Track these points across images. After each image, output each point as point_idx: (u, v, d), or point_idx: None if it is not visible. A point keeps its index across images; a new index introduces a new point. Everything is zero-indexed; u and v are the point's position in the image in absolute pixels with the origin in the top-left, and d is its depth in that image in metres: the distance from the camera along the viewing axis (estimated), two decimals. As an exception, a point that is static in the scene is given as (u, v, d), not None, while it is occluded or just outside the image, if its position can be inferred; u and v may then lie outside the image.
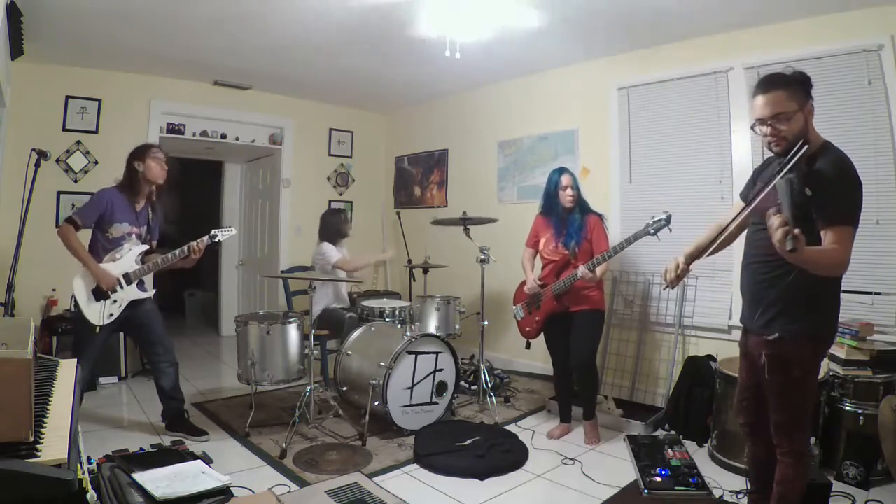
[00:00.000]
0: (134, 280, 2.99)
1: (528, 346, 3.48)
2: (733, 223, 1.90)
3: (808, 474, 1.91)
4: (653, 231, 2.70)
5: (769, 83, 1.78)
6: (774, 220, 1.48)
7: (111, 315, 2.94)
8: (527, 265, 3.39)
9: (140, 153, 3.01)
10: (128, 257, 2.99)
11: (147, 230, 3.12)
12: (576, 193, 3.17)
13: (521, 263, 3.42)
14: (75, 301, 2.92)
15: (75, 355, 2.90)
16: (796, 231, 1.45)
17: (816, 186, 1.66)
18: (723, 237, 1.92)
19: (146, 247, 3.09)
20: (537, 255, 3.39)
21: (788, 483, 1.83)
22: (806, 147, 1.68)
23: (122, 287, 2.95)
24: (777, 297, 1.84)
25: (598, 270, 2.98)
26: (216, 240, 3.09)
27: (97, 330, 2.89)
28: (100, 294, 2.91)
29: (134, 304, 3.02)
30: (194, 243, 3.00)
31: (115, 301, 2.94)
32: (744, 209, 1.84)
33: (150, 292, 3.15)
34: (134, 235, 3.03)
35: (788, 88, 1.74)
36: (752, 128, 1.85)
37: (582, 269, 2.95)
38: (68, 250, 2.86)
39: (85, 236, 2.96)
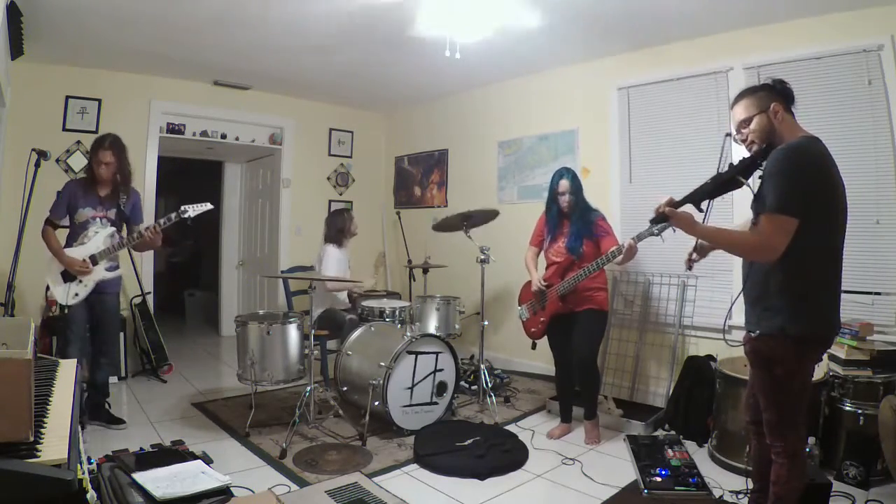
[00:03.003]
0: (100, 260, 3.08)
1: (533, 346, 3.46)
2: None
3: (805, 474, 1.90)
4: (657, 232, 2.69)
5: (736, 96, 1.97)
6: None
7: (76, 294, 3.04)
8: (530, 264, 3.39)
9: (92, 150, 3.11)
10: (95, 240, 3.08)
11: (118, 213, 3.18)
12: (572, 199, 3.16)
13: (525, 262, 3.42)
14: (48, 286, 3.06)
15: (62, 352, 3.02)
16: (666, 210, 1.92)
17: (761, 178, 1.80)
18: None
19: (113, 229, 3.15)
20: (541, 255, 3.39)
21: (784, 483, 1.83)
22: (726, 137, 1.96)
23: (89, 268, 3.06)
24: (757, 295, 1.87)
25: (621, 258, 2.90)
26: (186, 216, 3.02)
27: (65, 310, 2.98)
28: (67, 276, 3.03)
29: (101, 290, 3.13)
30: (152, 225, 3.05)
31: (80, 281, 3.04)
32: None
33: (117, 273, 3.22)
34: (99, 219, 3.12)
35: (753, 95, 1.90)
36: (733, 140, 2.00)
37: (629, 241, 2.70)
38: (48, 248, 3.03)
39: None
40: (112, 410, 3.37)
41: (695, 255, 2.14)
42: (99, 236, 3.08)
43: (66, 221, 3.14)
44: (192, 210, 3.03)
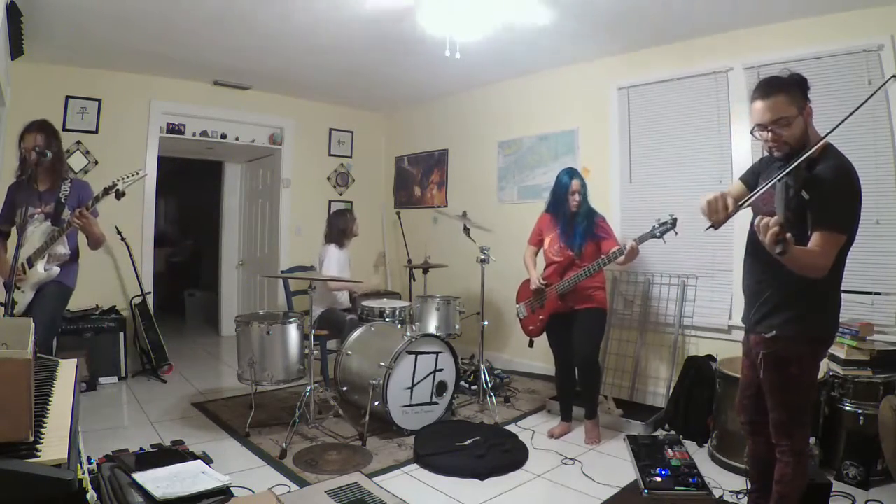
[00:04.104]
0: (36, 260, 2.75)
1: (531, 344, 3.47)
2: (749, 199, 1.82)
3: (808, 473, 1.91)
4: (658, 234, 2.69)
5: (768, 87, 1.78)
6: (769, 221, 1.53)
7: (16, 303, 2.71)
8: (529, 263, 3.39)
9: (21, 137, 2.77)
10: (31, 240, 2.78)
11: (58, 206, 2.84)
12: (581, 199, 3.18)
13: (524, 261, 3.42)
14: None
15: None
16: (787, 235, 1.51)
17: (813, 190, 1.68)
18: (746, 203, 1.82)
19: (48, 223, 2.82)
20: (540, 254, 3.40)
21: (788, 482, 1.84)
22: (810, 152, 1.68)
23: (24, 272, 2.75)
24: (775, 296, 1.86)
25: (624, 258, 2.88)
26: (117, 189, 2.65)
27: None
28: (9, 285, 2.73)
29: (42, 286, 2.81)
30: (89, 203, 2.69)
31: (18, 288, 2.72)
32: (754, 193, 1.83)
33: (56, 271, 2.84)
34: (38, 216, 2.82)
35: (788, 92, 1.75)
36: (751, 132, 1.86)
37: (631, 243, 2.78)
38: None
39: None
40: (112, 410, 3.34)
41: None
42: (35, 235, 2.77)
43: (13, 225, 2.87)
44: (122, 182, 2.66)
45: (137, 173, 2.75)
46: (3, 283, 2.80)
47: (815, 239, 1.69)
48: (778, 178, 1.71)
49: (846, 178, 1.72)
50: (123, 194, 2.69)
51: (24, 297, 2.76)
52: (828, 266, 1.68)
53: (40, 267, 2.78)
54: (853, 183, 1.73)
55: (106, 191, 2.66)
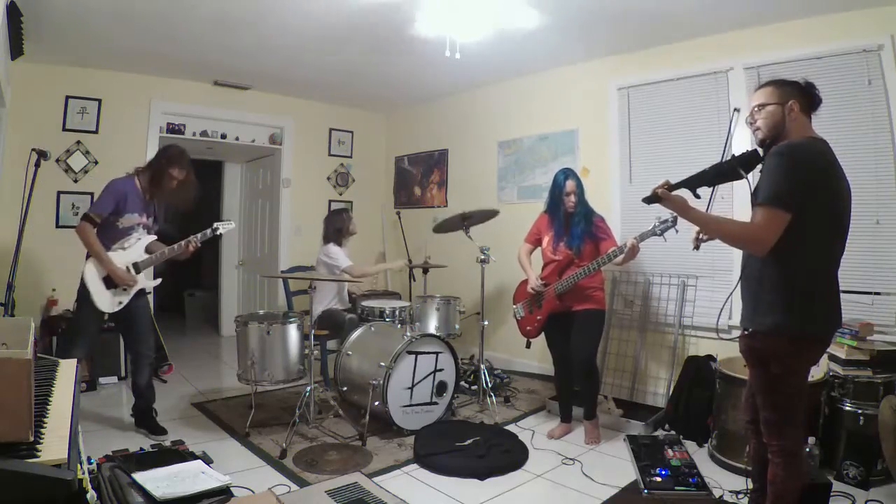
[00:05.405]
0: (143, 269, 3.05)
1: (528, 345, 3.47)
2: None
3: (803, 474, 1.90)
4: (659, 232, 2.69)
5: (764, 83, 1.97)
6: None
7: (121, 303, 3.00)
8: (524, 261, 3.39)
9: (170, 161, 3.06)
10: (136, 247, 3.04)
11: (153, 221, 3.20)
12: (577, 200, 3.17)
13: (518, 259, 3.42)
14: (84, 287, 2.91)
15: (67, 347, 3.00)
16: (660, 191, 1.90)
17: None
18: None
19: (154, 237, 3.15)
20: (537, 253, 3.39)
21: (780, 483, 1.82)
22: (735, 112, 2.00)
23: (134, 277, 3.03)
24: (750, 291, 1.87)
25: (622, 258, 2.92)
26: (218, 232, 3.19)
27: (105, 317, 3.00)
28: (111, 282, 2.95)
29: (134, 295, 3.07)
30: (196, 237, 3.09)
31: (125, 289, 3.00)
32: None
33: (156, 283, 3.27)
34: (142, 226, 3.10)
35: (778, 87, 1.90)
36: (745, 120, 1.99)
37: (631, 241, 2.81)
38: (86, 248, 2.91)
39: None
40: (112, 410, 3.36)
41: (702, 235, 2.11)
42: (140, 244, 3.05)
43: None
44: (223, 227, 3.22)
45: (231, 222, 3.33)
46: (104, 277, 2.96)
47: (752, 215, 1.79)
48: (709, 165, 1.89)
49: (787, 157, 1.75)
50: (221, 235, 3.38)
51: (127, 297, 3.02)
52: (763, 240, 1.73)
53: (143, 276, 3.07)
54: (792, 158, 1.74)
55: (213, 231, 3.17)
